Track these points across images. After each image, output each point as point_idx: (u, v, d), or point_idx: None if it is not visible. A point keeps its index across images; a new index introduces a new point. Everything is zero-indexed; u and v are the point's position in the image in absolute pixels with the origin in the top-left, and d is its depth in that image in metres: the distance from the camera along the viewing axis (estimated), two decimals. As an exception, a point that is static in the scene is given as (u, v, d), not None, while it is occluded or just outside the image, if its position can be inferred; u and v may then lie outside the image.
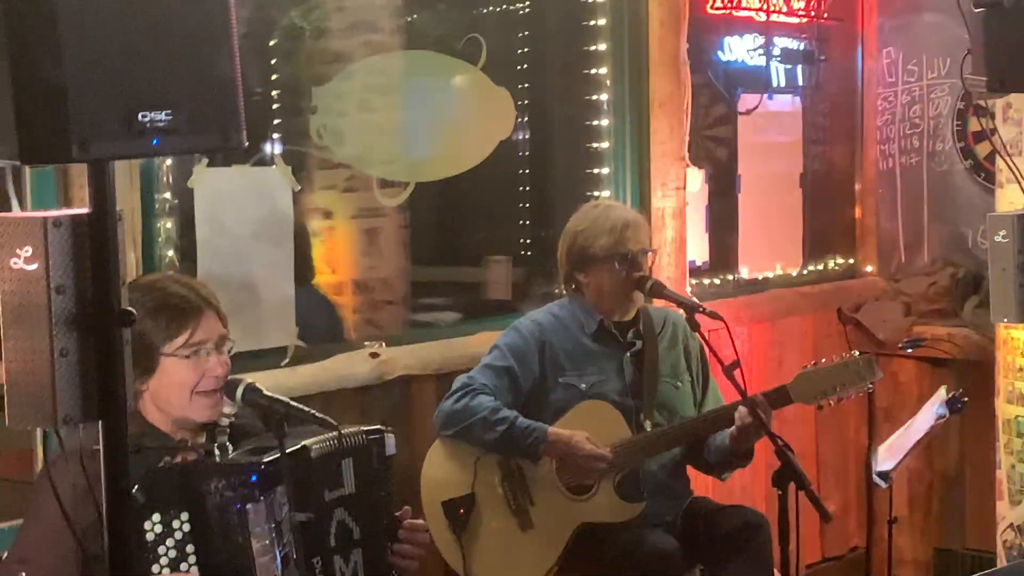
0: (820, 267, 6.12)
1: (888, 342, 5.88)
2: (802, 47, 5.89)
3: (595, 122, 5.14)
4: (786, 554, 3.73)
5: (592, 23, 5.10)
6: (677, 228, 5.19)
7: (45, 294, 2.14)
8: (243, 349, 3.41)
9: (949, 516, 5.92)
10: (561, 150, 5.34)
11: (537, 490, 4.05)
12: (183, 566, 2.70)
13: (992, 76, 3.57)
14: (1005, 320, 3.95)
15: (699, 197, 5.45)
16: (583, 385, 4.13)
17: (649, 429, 4.13)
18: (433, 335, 4.65)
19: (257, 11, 4.31)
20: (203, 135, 2.26)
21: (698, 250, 5.45)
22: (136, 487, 2.52)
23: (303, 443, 2.84)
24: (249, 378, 2.94)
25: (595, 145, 5.14)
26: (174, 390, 2.92)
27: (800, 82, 5.94)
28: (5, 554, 2.93)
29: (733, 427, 3.98)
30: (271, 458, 2.73)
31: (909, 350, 5.73)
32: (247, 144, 2.35)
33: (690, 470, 4.35)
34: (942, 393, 4.80)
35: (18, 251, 2.14)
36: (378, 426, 3.07)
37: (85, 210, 2.20)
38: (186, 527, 2.71)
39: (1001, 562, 4.87)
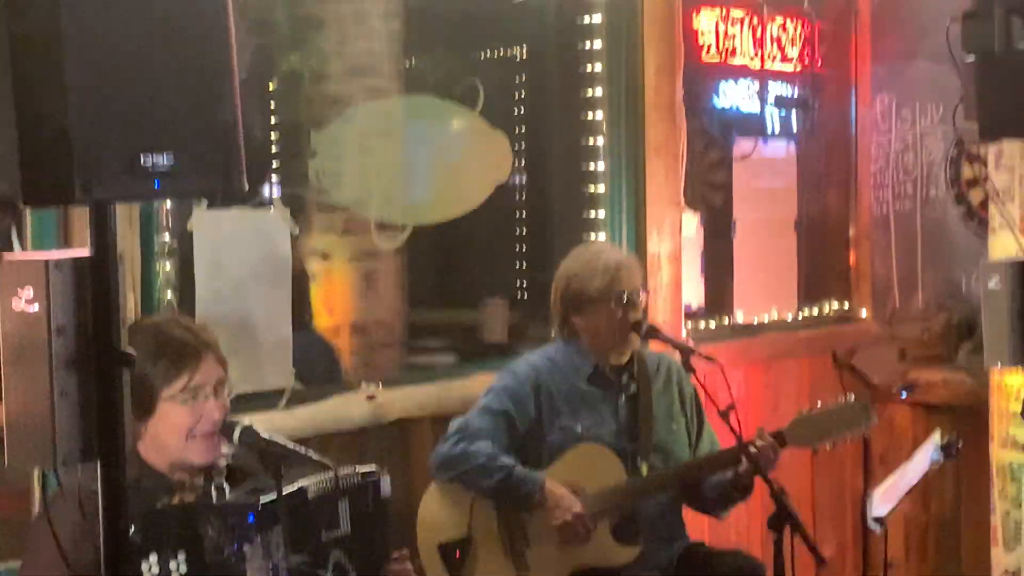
0: (815, 311, 6.14)
1: (883, 387, 5.89)
2: (796, 93, 5.93)
3: (591, 166, 5.17)
4: (781, 598, 3.72)
5: (589, 69, 5.14)
6: (672, 272, 5.21)
7: (45, 335, 2.15)
8: (240, 391, 3.42)
9: (945, 561, 5.91)
10: (558, 194, 5.38)
11: (534, 534, 4.04)
12: (180, 606, 2.70)
13: (984, 123, 3.59)
14: (999, 365, 3.95)
15: (694, 241, 5.48)
16: (579, 428, 4.13)
17: (645, 472, 4.13)
18: (430, 377, 4.66)
19: (258, 55, 4.35)
20: (204, 178, 2.28)
21: (693, 294, 5.46)
22: (134, 527, 2.52)
23: (300, 484, 2.84)
24: (246, 420, 2.95)
25: (591, 189, 5.16)
26: (171, 433, 2.92)
27: (794, 128, 5.98)
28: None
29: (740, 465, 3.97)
30: (268, 499, 2.74)
31: (904, 395, 5.74)
32: (247, 188, 2.38)
33: (686, 514, 4.35)
34: (936, 438, 4.80)
35: (19, 292, 2.16)
36: (373, 467, 3.08)
37: (86, 252, 2.22)
38: (183, 567, 2.70)
39: (996, 607, 4.86)
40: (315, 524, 2.88)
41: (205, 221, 3.91)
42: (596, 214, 5.15)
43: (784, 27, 5.81)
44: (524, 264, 5.39)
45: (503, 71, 5.35)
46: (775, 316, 5.93)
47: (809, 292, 6.11)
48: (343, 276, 4.63)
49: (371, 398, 4.28)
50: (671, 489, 4.18)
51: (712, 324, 5.60)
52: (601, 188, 5.15)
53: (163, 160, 2.17)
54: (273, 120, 4.48)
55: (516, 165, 5.02)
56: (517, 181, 5.19)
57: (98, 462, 2.19)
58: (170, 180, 2.20)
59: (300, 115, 4.49)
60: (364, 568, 2.99)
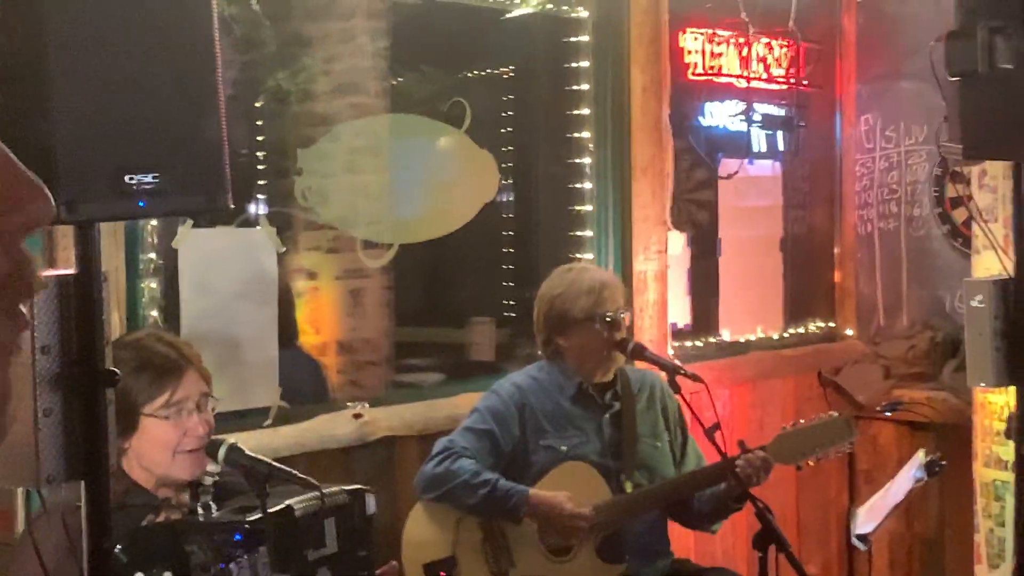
0: (800, 330, 6.16)
1: (868, 405, 5.90)
2: (782, 113, 5.96)
3: (578, 185, 5.18)
4: (767, 616, 3.73)
5: (575, 88, 5.16)
6: (659, 291, 5.23)
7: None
8: (226, 409, 3.42)
9: (929, 579, 5.93)
10: (544, 213, 5.39)
11: (518, 552, 4.04)
12: (165, 625, 2.70)
13: (968, 143, 3.62)
14: (982, 384, 3.98)
15: (681, 260, 5.49)
16: (563, 447, 4.14)
17: (629, 490, 4.14)
18: (416, 396, 4.66)
19: (244, 73, 4.36)
20: (189, 197, 2.29)
21: (679, 313, 5.48)
22: (119, 546, 2.52)
23: (287, 503, 2.84)
24: (232, 438, 2.95)
25: (578, 208, 5.18)
26: (156, 449, 2.92)
27: (780, 147, 6.00)
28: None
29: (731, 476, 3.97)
30: (254, 518, 2.74)
31: (888, 413, 5.76)
32: (232, 206, 2.38)
33: (671, 531, 4.35)
34: (920, 456, 4.81)
35: (4, 311, 2.15)
36: (359, 486, 3.08)
37: (71, 271, 2.22)
38: (168, 586, 2.70)
39: (981, 626, 4.87)
40: (301, 543, 2.88)
41: (190, 239, 3.91)
42: (583, 233, 5.16)
43: (770, 47, 5.84)
44: (511, 283, 5.39)
45: (490, 90, 5.37)
46: (761, 335, 5.94)
47: (794, 311, 6.13)
48: (329, 294, 4.63)
49: (357, 416, 4.28)
50: (657, 505, 4.18)
51: (698, 343, 5.62)
52: (588, 207, 5.17)
53: (148, 179, 2.18)
54: (259, 138, 4.48)
55: (503, 184, 5.03)
56: (504, 200, 5.20)
57: (82, 481, 2.19)
58: (155, 199, 2.20)
59: (286, 133, 4.49)
60: (350, 587, 2.99)
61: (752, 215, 5.94)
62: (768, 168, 6.02)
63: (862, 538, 4.71)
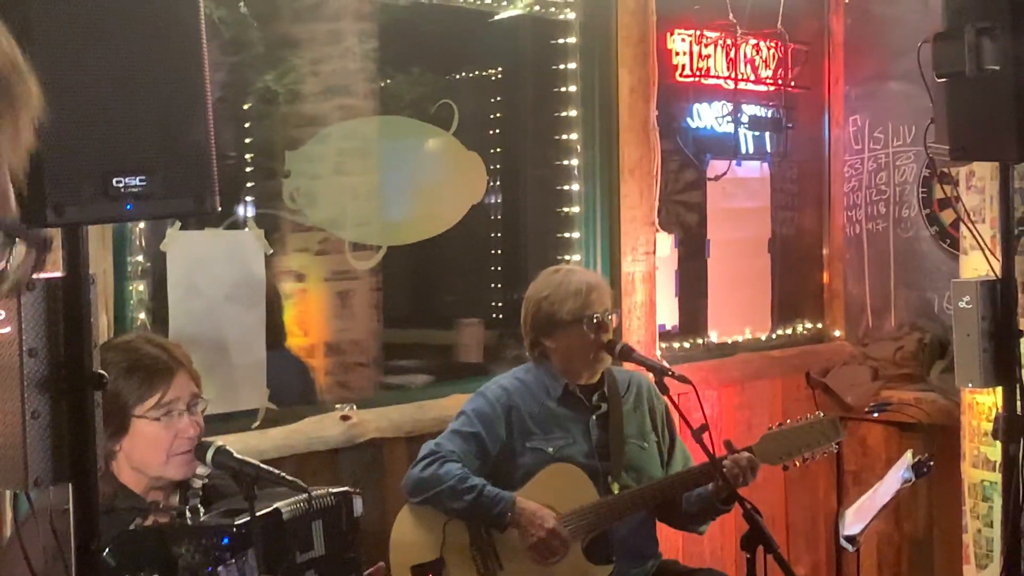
0: (788, 331, 6.17)
1: (856, 406, 5.92)
2: (770, 114, 5.97)
3: (566, 187, 5.19)
4: (755, 617, 3.73)
5: (563, 90, 5.16)
6: (647, 292, 5.23)
7: (17, 357, 2.15)
8: (214, 411, 3.42)
9: (918, 580, 5.94)
10: (532, 214, 5.39)
11: (506, 554, 4.04)
12: (153, 628, 2.70)
13: (955, 144, 3.63)
14: (970, 385, 3.99)
15: (669, 261, 5.50)
16: (550, 449, 4.14)
17: (616, 491, 4.14)
18: (405, 398, 4.66)
19: (231, 75, 4.35)
20: (177, 200, 2.29)
21: (668, 314, 5.48)
22: (107, 549, 2.52)
23: (275, 506, 2.84)
24: (220, 440, 2.95)
25: (566, 210, 5.18)
26: (148, 451, 2.92)
27: (768, 149, 6.01)
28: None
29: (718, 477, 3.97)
30: (242, 521, 2.73)
31: (876, 414, 5.77)
32: (220, 208, 2.38)
33: (659, 531, 4.35)
34: (908, 457, 4.82)
35: (-9, 314, 2.15)
36: (345, 488, 3.08)
37: (58, 273, 2.22)
38: (156, 590, 2.70)
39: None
40: (289, 546, 2.88)
41: (178, 242, 3.90)
42: (571, 235, 5.17)
43: (758, 48, 5.85)
44: (499, 284, 5.40)
45: (478, 92, 5.37)
46: (749, 336, 5.95)
47: (783, 312, 6.14)
48: (318, 296, 4.62)
49: (345, 418, 4.28)
50: (645, 506, 4.18)
51: (686, 344, 5.62)
52: (576, 209, 5.17)
53: (136, 182, 2.18)
54: (247, 140, 4.48)
55: (491, 185, 5.03)
56: (492, 201, 5.20)
57: (70, 484, 2.19)
58: (143, 202, 2.20)
59: (274, 135, 4.49)
60: (337, 589, 2.98)
61: (740, 216, 5.95)
62: (756, 169, 6.03)
63: (850, 539, 4.72)
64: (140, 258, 3.82)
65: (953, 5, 3.62)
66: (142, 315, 3.82)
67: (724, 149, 5.78)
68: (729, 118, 5.76)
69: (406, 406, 4.54)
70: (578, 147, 5.17)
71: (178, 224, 3.88)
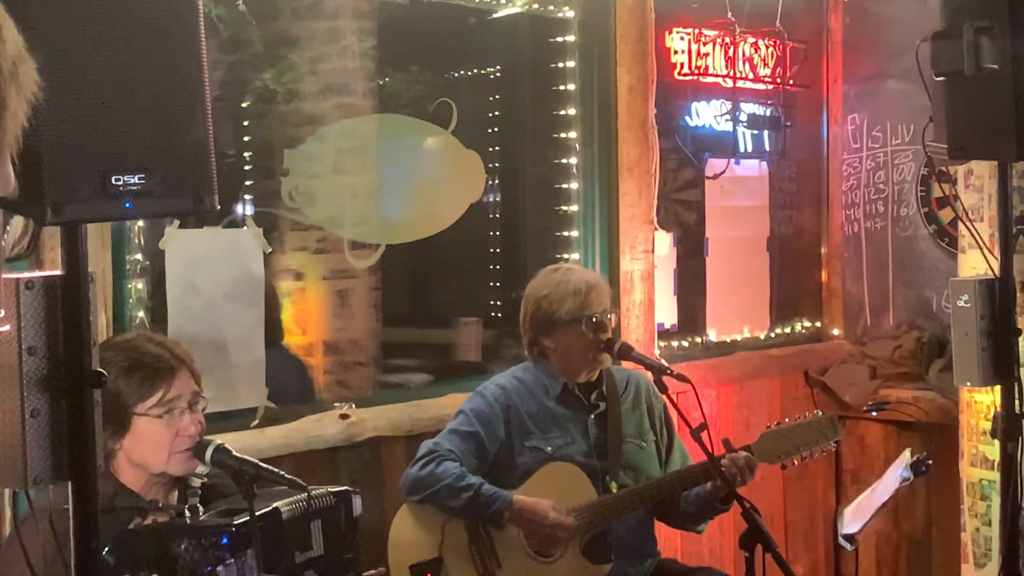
0: (787, 330, 6.17)
1: (854, 405, 5.92)
2: (768, 113, 5.97)
3: (564, 185, 5.19)
4: (754, 616, 3.73)
5: (562, 88, 5.16)
6: (645, 291, 5.23)
7: (17, 355, 2.15)
8: (213, 410, 3.42)
9: (916, 578, 5.94)
10: (531, 213, 5.39)
11: (504, 553, 4.04)
12: (152, 628, 2.69)
13: (953, 143, 3.63)
14: (968, 384, 3.99)
15: (667, 260, 5.50)
16: (549, 448, 4.13)
17: (615, 490, 4.14)
18: (403, 396, 4.66)
19: (230, 74, 4.35)
20: (176, 198, 2.28)
21: (666, 313, 5.48)
22: (106, 549, 2.52)
23: (275, 505, 2.84)
24: (219, 439, 2.95)
25: (564, 208, 5.18)
26: (150, 450, 2.92)
27: (767, 147, 6.01)
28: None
29: (717, 477, 3.97)
30: (242, 520, 2.73)
31: (875, 413, 5.77)
32: (219, 207, 2.38)
33: (658, 530, 4.35)
34: (907, 456, 4.82)
35: (-10, 312, 2.15)
36: (344, 487, 3.08)
37: (57, 272, 2.21)
38: (156, 589, 2.70)
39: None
40: (288, 545, 2.88)
41: (177, 240, 3.90)
42: (569, 233, 5.17)
43: (756, 47, 5.85)
44: (498, 283, 5.39)
45: (477, 90, 5.37)
46: (747, 335, 5.95)
47: (781, 311, 6.14)
48: (316, 295, 4.62)
49: (344, 417, 4.28)
50: (643, 505, 4.18)
51: (685, 343, 5.62)
52: (574, 207, 5.17)
53: (134, 180, 2.17)
54: (246, 139, 4.48)
55: (490, 184, 5.03)
56: (491, 200, 5.20)
57: (70, 482, 2.19)
58: (142, 200, 2.20)
59: (273, 134, 4.48)
60: (336, 588, 2.98)
61: (739, 215, 5.95)
62: (755, 168, 6.03)
63: (849, 538, 4.72)
64: (139, 256, 3.82)
65: (952, 4, 3.61)
66: (141, 314, 3.82)
67: (723, 147, 5.78)
68: (728, 116, 5.76)
69: (404, 405, 4.54)
70: (577, 145, 5.17)
71: (177, 222, 3.88)
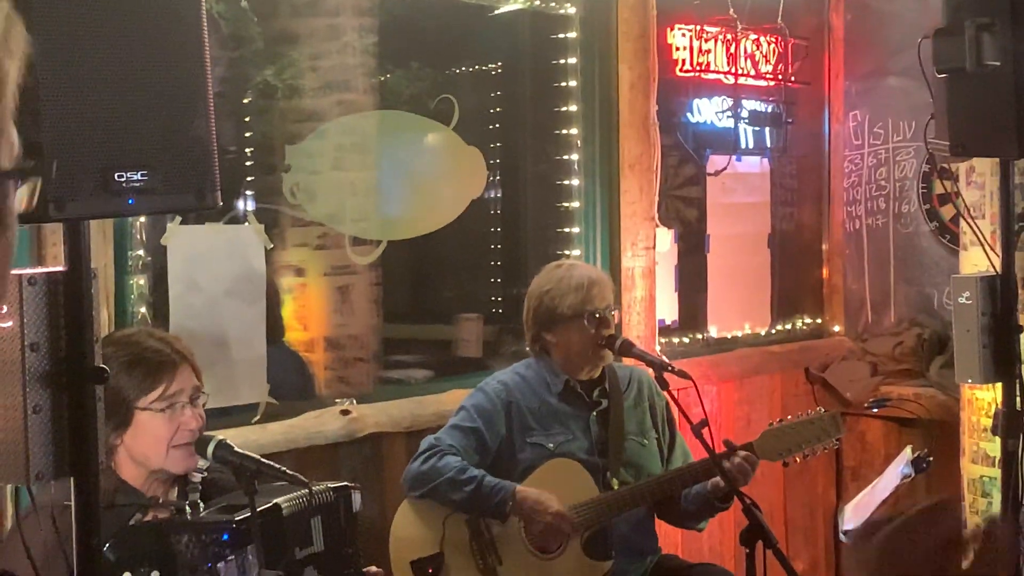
0: (788, 327, 6.17)
1: (855, 401, 5.92)
2: (770, 110, 5.97)
3: (566, 182, 5.19)
4: (754, 613, 3.73)
5: (563, 84, 5.16)
6: (647, 287, 5.23)
7: (19, 351, 2.15)
8: (214, 406, 3.42)
9: (916, 575, 5.94)
10: (532, 209, 5.39)
11: (505, 549, 4.04)
12: (153, 624, 2.70)
13: (955, 140, 3.63)
14: (969, 381, 3.99)
15: (668, 257, 5.50)
16: (550, 444, 4.14)
17: (616, 487, 4.14)
18: (404, 392, 4.66)
19: (231, 70, 4.35)
20: (178, 195, 2.29)
21: (667, 309, 5.48)
22: (108, 545, 2.52)
23: (275, 501, 2.85)
24: (220, 435, 2.95)
25: (566, 205, 5.18)
26: (151, 444, 2.93)
27: (768, 144, 6.01)
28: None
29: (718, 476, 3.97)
30: (242, 516, 2.73)
31: (875, 410, 5.77)
32: (221, 203, 2.38)
33: (659, 527, 4.36)
34: (907, 453, 4.83)
35: (-7, 308, 2.15)
36: (344, 483, 3.08)
37: (60, 268, 2.22)
38: (156, 585, 2.70)
39: (968, 621, 4.88)
40: (289, 541, 2.88)
41: (179, 236, 3.90)
42: (571, 230, 5.17)
43: (758, 43, 5.85)
44: (499, 279, 5.39)
45: (478, 86, 5.36)
46: (748, 331, 5.95)
47: (782, 307, 6.14)
48: (317, 291, 4.62)
49: (345, 413, 4.28)
50: (644, 502, 4.18)
51: (686, 339, 5.62)
52: (576, 204, 5.17)
53: (137, 177, 2.17)
54: (247, 135, 4.47)
55: (491, 180, 5.02)
56: (492, 196, 5.20)
57: (71, 478, 2.19)
58: (144, 197, 2.20)
59: (274, 130, 4.48)
60: (337, 584, 2.99)
61: (740, 211, 5.95)
62: (756, 165, 6.03)
63: (849, 534, 4.72)
64: (140, 252, 3.82)
65: (953, 1, 3.61)
66: (143, 309, 3.82)
67: (724, 144, 5.78)
68: (729, 113, 5.76)
69: (405, 401, 4.54)
70: (578, 142, 5.17)
71: (178, 219, 3.89)
